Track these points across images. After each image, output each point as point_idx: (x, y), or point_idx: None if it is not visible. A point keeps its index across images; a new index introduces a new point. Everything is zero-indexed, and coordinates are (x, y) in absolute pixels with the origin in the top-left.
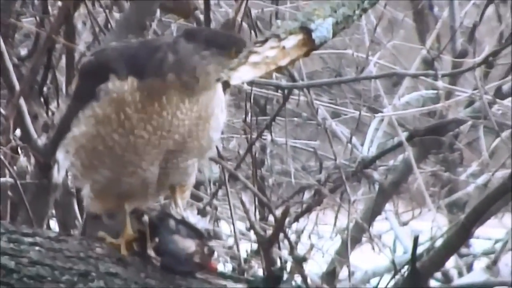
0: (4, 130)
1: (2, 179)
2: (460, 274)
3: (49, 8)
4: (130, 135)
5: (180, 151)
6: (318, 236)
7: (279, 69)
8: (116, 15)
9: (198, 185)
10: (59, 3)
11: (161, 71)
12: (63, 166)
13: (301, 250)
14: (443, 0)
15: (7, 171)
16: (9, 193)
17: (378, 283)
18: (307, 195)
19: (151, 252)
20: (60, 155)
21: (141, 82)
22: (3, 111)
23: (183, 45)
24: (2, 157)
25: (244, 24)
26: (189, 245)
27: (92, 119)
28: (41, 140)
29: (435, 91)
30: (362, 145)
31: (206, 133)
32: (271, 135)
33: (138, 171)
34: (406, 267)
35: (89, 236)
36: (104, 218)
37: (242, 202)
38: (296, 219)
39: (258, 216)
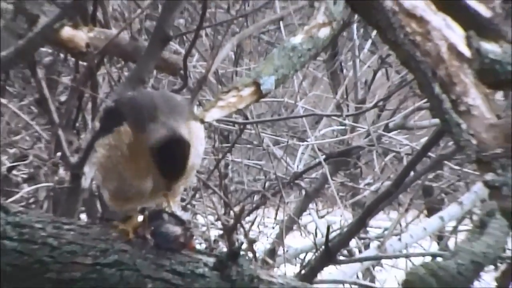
0: (48, 152)
1: (46, 184)
2: (360, 251)
3: (80, 68)
4: (126, 163)
5: None
6: (263, 225)
7: (237, 111)
8: (126, 73)
9: None
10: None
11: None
12: (88, 177)
13: (252, 235)
14: (349, 64)
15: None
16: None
17: (304, 257)
18: (256, 197)
19: (148, 235)
20: (86, 168)
21: (137, 135)
22: (48, 138)
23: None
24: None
25: (213, 80)
26: (176, 230)
27: (107, 146)
28: (74, 159)
29: (344, 127)
30: (293, 163)
31: (190, 163)
32: (231, 156)
33: (134, 185)
34: (322, 246)
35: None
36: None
37: (212, 202)
38: (249, 214)
39: (223, 212)
